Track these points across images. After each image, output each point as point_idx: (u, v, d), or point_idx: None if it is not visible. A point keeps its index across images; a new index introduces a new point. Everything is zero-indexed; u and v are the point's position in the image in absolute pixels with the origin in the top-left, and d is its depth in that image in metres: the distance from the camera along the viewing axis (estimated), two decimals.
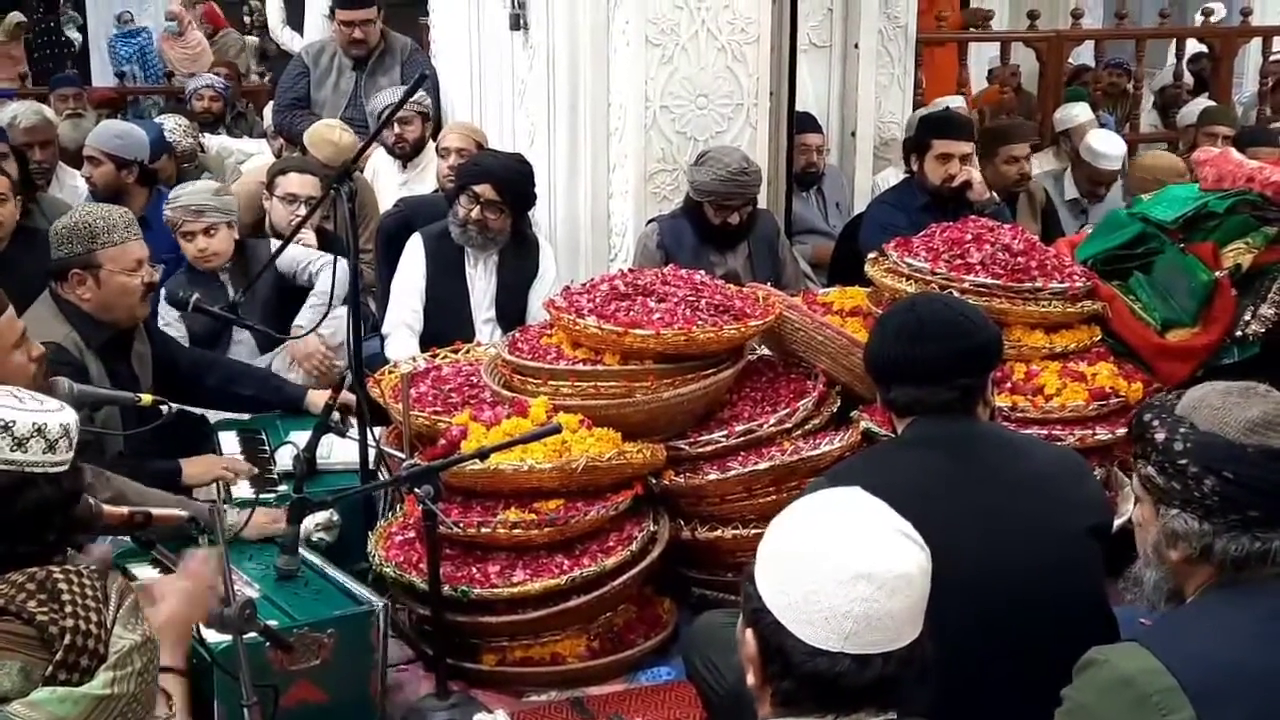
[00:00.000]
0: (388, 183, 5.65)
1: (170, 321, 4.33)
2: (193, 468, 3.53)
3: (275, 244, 4.40)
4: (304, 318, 4.41)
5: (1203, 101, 7.17)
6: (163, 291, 4.10)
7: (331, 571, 3.01)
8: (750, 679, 1.73)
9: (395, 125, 5.59)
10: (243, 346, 4.42)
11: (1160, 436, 1.94)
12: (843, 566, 1.62)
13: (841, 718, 1.65)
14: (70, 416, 2.11)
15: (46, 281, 3.63)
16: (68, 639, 1.87)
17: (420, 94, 5.63)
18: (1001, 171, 5.20)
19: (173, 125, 6.32)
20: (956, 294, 3.33)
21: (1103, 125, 6.67)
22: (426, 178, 5.52)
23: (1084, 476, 2.60)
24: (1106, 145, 5.91)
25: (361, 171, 5.53)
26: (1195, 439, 1.91)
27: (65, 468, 2.08)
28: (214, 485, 3.54)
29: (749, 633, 1.72)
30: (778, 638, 1.66)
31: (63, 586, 1.92)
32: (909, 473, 2.40)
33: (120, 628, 1.94)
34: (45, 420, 2.06)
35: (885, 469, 2.45)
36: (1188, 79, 8.13)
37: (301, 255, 4.54)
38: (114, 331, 3.61)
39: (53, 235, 3.60)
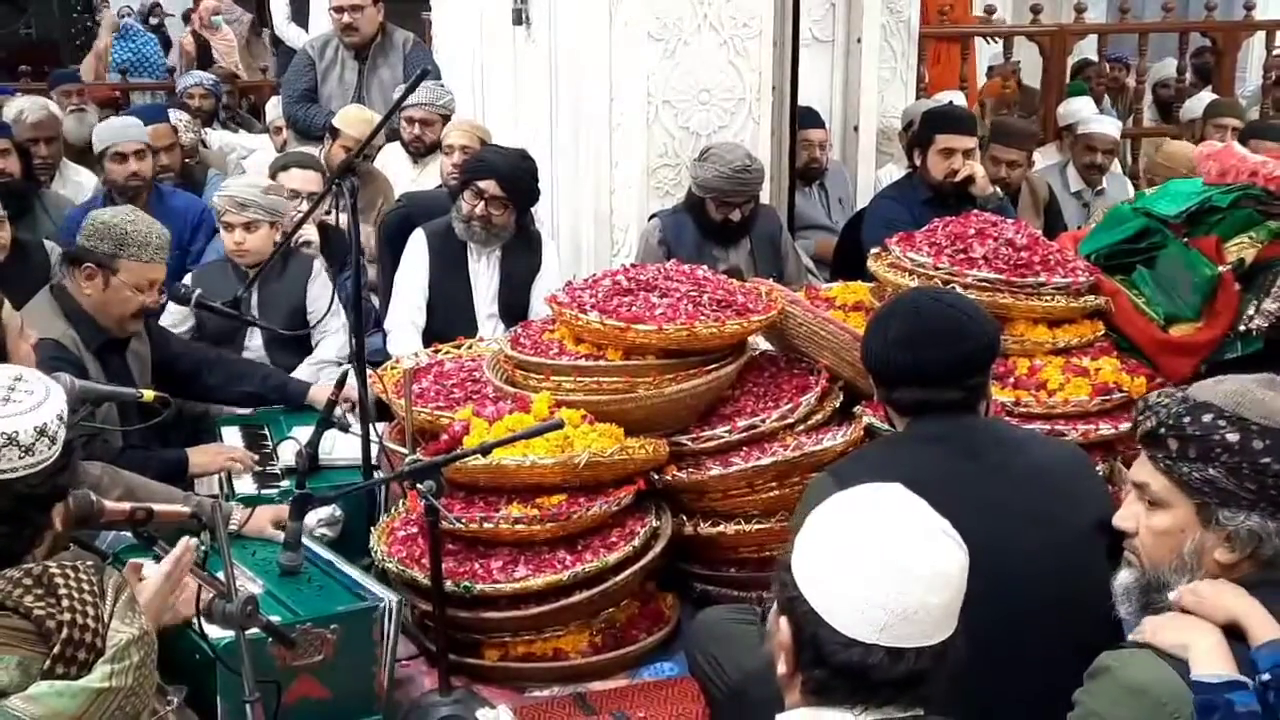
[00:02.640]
0: (398, 177, 5.67)
1: (177, 317, 4.33)
2: (199, 456, 3.56)
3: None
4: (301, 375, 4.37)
5: (1208, 95, 7.16)
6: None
7: (341, 566, 3.01)
8: (781, 667, 1.74)
9: (415, 125, 5.61)
10: (250, 354, 4.40)
11: (1234, 437, 1.90)
12: (884, 559, 1.64)
13: (870, 710, 1.65)
14: (16, 425, 2.05)
15: (48, 277, 3.64)
16: (65, 633, 1.87)
17: (447, 96, 5.64)
18: (986, 167, 5.20)
19: (174, 120, 6.30)
20: (959, 289, 3.32)
21: None
22: (435, 172, 5.54)
23: (1088, 471, 2.60)
24: (1100, 120, 6.13)
25: (372, 160, 5.51)
26: (1274, 437, 1.88)
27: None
28: (217, 479, 3.55)
29: (783, 620, 1.72)
30: (812, 626, 1.67)
31: (59, 581, 1.92)
32: (914, 469, 2.37)
33: (117, 621, 1.94)
34: None
35: (890, 465, 2.43)
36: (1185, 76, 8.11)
37: (325, 301, 4.45)
38: (109, 334, 3.61)
39: (89, 222, 3.62)
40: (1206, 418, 1.93)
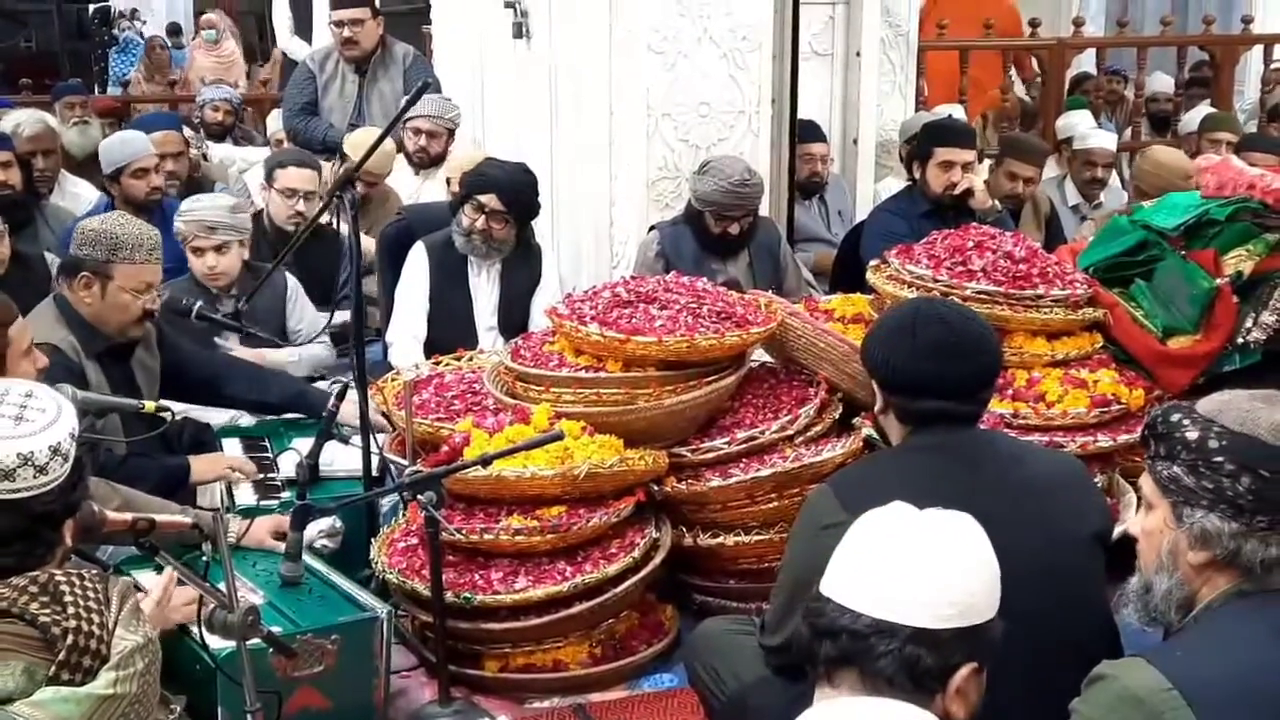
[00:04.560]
0: (399, 187, 5.66)
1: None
2: (201, 464, 3.55)
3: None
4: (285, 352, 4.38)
5: (1204, 108, 7.18)
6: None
7: (336, 578, 3.02)
8: None
9: (422, 137, 5.61)
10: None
11: (1193, 435, 1.94)
12: (889, 540, 1.76)
13: (827, 684, 1.74)
14: (31, 445, 2.03)
15: (49, 290, 3.64)
16: (70, 640, 1.88)
17: (454, 110, 5.64)
18: (998, 181, 5.23)
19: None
20: (958, 301, 3.33)
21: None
22: (436, 184, 5.54)
23: (1085, 483, 2.60)
24: (1098, 135, 6.14)
25: (384, 179, 5.50)
26: (1230, 438, 1.91)
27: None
28: (218, 490, 3.55)
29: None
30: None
31: (65, 589, 1.93)
32: (916, 479, 2.38)
33: (122, 629, 1.95)
34: None
35: (890, 477, 2.43)
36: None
37: (307, 320, 4.52)
38: (111, 341, 3.60)
39: (78, 232, 3.58)
40: (1175, 417, 1.99)
